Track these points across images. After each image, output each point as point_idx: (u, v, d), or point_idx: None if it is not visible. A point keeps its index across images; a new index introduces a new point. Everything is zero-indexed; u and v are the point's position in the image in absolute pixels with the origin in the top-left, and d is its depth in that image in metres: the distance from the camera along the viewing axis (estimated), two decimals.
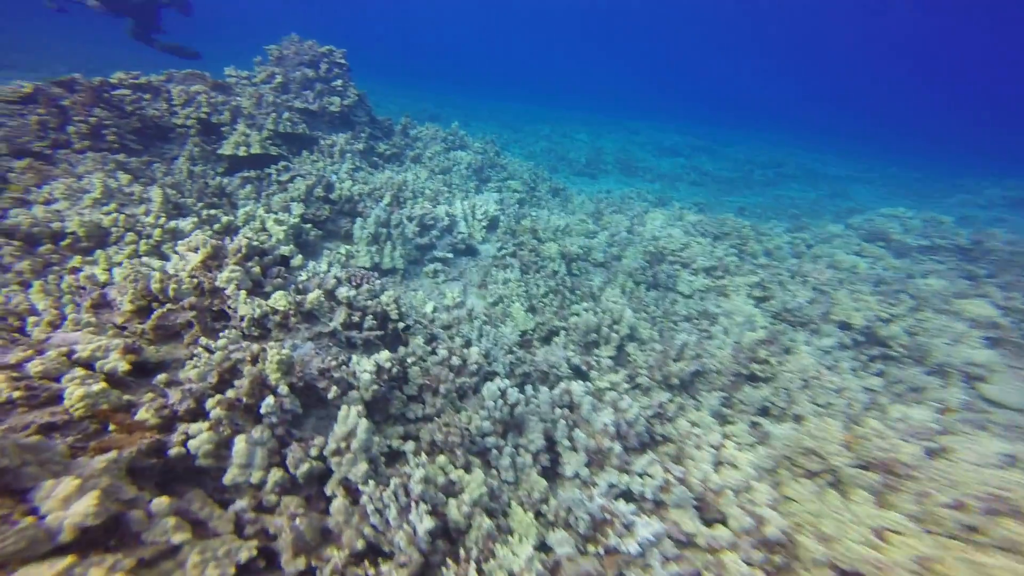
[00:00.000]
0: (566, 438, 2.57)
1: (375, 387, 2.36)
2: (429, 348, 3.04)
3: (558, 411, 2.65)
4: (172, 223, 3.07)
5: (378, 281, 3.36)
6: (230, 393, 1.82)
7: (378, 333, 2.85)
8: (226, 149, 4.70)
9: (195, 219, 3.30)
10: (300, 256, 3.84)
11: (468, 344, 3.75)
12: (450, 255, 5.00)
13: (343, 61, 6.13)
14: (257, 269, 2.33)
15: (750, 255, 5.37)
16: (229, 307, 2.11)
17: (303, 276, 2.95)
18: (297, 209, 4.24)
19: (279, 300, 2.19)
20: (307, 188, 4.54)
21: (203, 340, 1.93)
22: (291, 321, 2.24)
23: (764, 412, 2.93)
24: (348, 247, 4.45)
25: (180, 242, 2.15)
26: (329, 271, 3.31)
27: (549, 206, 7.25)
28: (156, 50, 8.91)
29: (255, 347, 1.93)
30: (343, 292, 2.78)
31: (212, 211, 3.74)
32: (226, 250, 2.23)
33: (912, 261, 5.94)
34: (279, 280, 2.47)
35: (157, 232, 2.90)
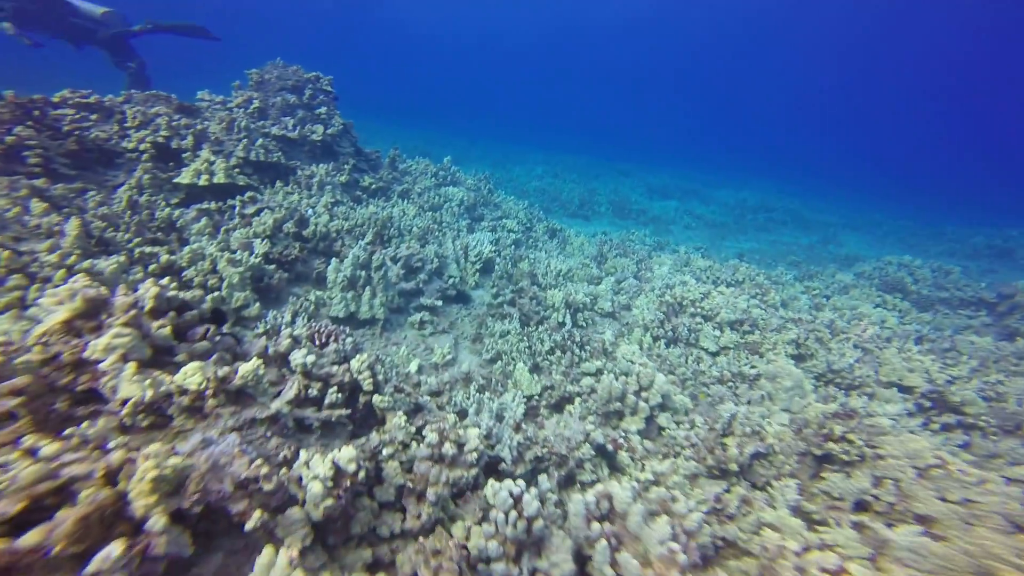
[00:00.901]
0: (607, 565, 1.89)
1: (329, 501, 1.67)
2: (412, 429, 2.37)
3: (595, 525, 1.98)
4: (86, 263, 2.42)
5: (349, 339, 2.72)
6: (29, 540, 1.07)
7: (343, 413, 2.18)
8: (184, 177, 4.13)
9: (122, 258, 2.65)
10: (257, 305, 3.19)
11: (463, 415, 3.07)
12: (439, 303, 4.41)
13: (329, 88, 5.79)
14: (166, 331, 1.68)
15: (771, 306, 4.95)
16: (104, 387, 1.44)
17: (251, 335, 2.30)
18: (260, 247, 3.63)
19: (190, 375, 1.53)
20: (275, 223, 3.97)
21: (28, 440, 1.24)
22: (209, 404, 1.57)
23: (862, 508, 2.32)
24: (320, 293, 3.82)
25: (46, 294, 1.51)
26: (285, 327, 2.67)
27: (547, 248, 6.82)
28: (127, 74, 8.56)
29: (117, 454, 1.26)
30: (299, 357, 2.13)
31: (151, 248, 3.11)
32: (111, 305, 1.58)
33: (940, 315, 5.64)
34: (203, 344, 1.81)
35: (59, 275, 2.25)
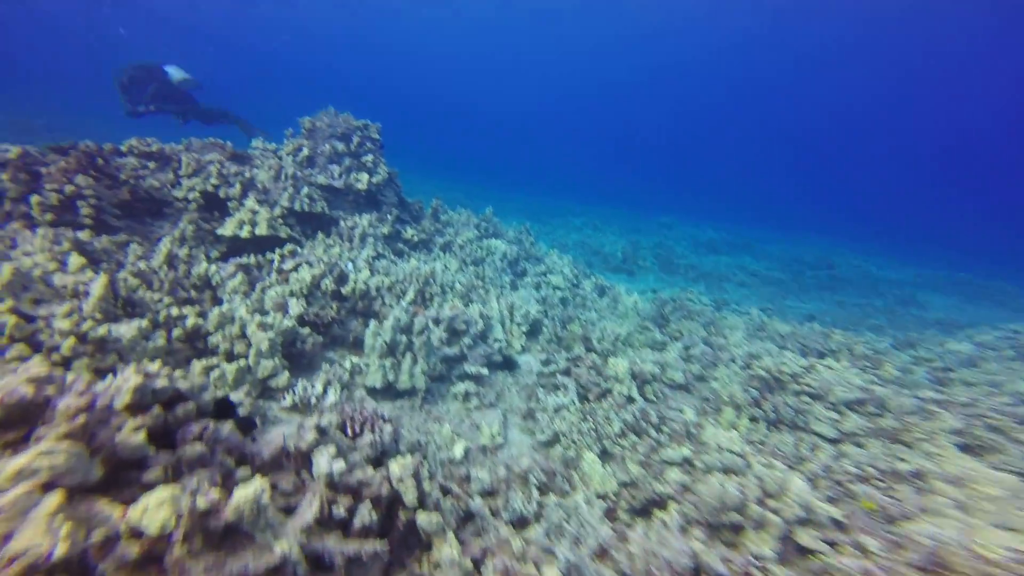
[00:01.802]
0: None
1: None
2: (468, 563, 1.82)
3: None
4: (103, 328, 2.16)
5: (388, 427, 2.27)
6: None
7: (377, 546, 1.66)
8: (227, 229, 4.04)
9: (144, 323, 2.39)
10: (286, 375, 2.83)
11: (523, 524, 2.48)
12: (484, 370, 3.95)
13: (377, 136, 5.85)
14: (139, 437, 1.25)
15: (890, 382, 4.16)
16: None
17: (275, 408, 1.89)
18: (295, 307, 3.36)
19: (153, 508, 1.07)
20: (313, 279, 3.73)
21: None
22: (174, 554, 1.10)
23: None
24: (356, 359, 3.46)
25: None
26: (314, 401, 2.27)
27: (597, 307, 6.33)
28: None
29: None
30: (324, 463, 1.68)
31: (181, 309, 2.87)
32: (52, 411, 1.16)
33: None
34: (196, 448, 1.39)
35: (69, 343, 1.98)
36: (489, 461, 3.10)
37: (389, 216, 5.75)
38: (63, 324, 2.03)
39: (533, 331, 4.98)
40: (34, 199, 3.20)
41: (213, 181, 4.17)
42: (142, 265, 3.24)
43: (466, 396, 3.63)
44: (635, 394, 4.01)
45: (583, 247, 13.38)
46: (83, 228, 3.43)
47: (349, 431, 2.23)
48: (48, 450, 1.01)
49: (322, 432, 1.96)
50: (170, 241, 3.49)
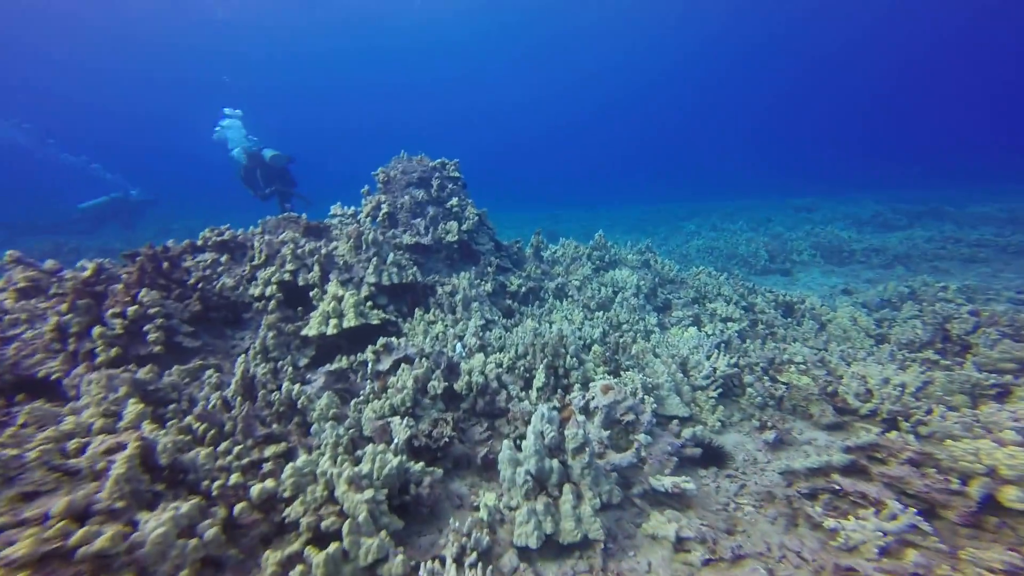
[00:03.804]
0: None
1: None
2: None
3: None
4: (110, 531, 1.37)
5: None
6: None
7: None
8: (311, 327, 3.42)
9: (189, 506, 1.59)
10: (400, 559, 1.85)
11: None
12: (687, 484, 2.60)
13: (457, 174, 5.12)
14: None
15: None
16: None
17: None
18: (401, 432, 2.46)
19: None
20: (417, 383, 2.84)
21: None
22: None
23: None
24: (490, 497, 2.40)
25: None
26: None
27: (801, 335, 4.62)
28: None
29: None
30: None
31: (256, 454, 2.11)
32: None
33: None
34: None
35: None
36: None
37: (489, 268, 4.86)
38: (46, 533, 1.28)
39: (726, 390, 3.55)
40: (96, 332, 2.81)
41: (289, 267, 3.64)
42: (217, 398, 2.62)
43: (679, 541, 2.32)
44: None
45: (712, 253, 11.42)
46: (148, 360, 2.97)
47: None
48: None
49: None
50: (243, 361, 2.89)
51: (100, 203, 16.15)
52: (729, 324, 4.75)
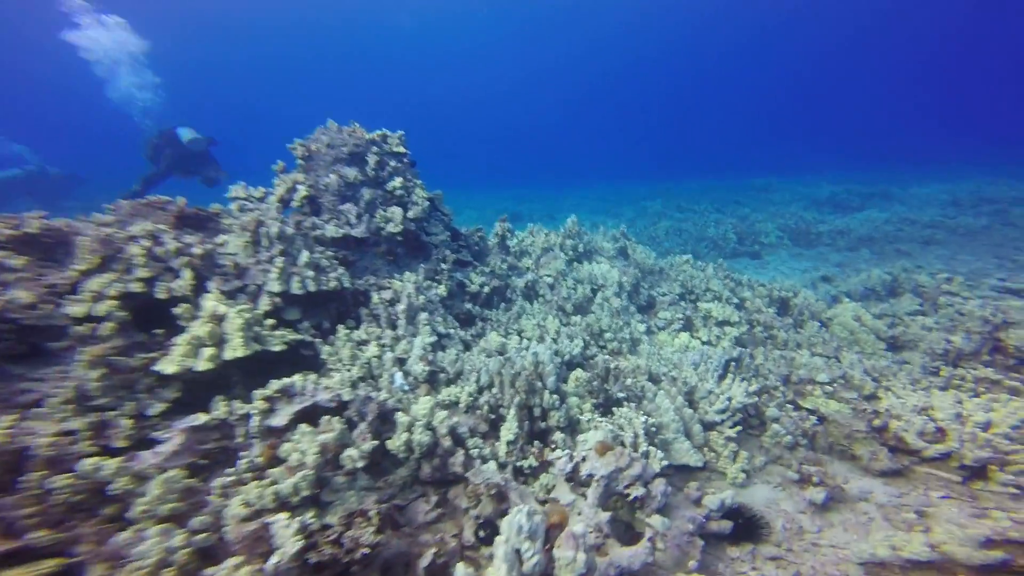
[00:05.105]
0: None
1: None
2: None
3: None
4: None
5: None
6: None
7: None
8: (170, 363, 2.28)
9: None
10: None
11: None
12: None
13: (401, 149, 3.98)
14: None
15: None
16: None
17: None
18: (289, 541, 1.48)
19: None
20: (324, 451, 1.83)
21: None
22: None
23: None
24: None
25: None
26: None
27: (807, 340, 3.92)
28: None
29: None
30: None
31: None
32: None
33: None
34: None
35: None
36: None
37: (443, 265, 3.82)
38: None
39: (742, 423, 2.75)
40: None
41: (140, 274, 2.45)
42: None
43: None
44: None
45: (681, 235, 10.83)
46: None
47: None
48: None
49: None
50: (11, 420, 1.76)
51: (8, 176, 13.56)
52: (726, 329, 3.99)
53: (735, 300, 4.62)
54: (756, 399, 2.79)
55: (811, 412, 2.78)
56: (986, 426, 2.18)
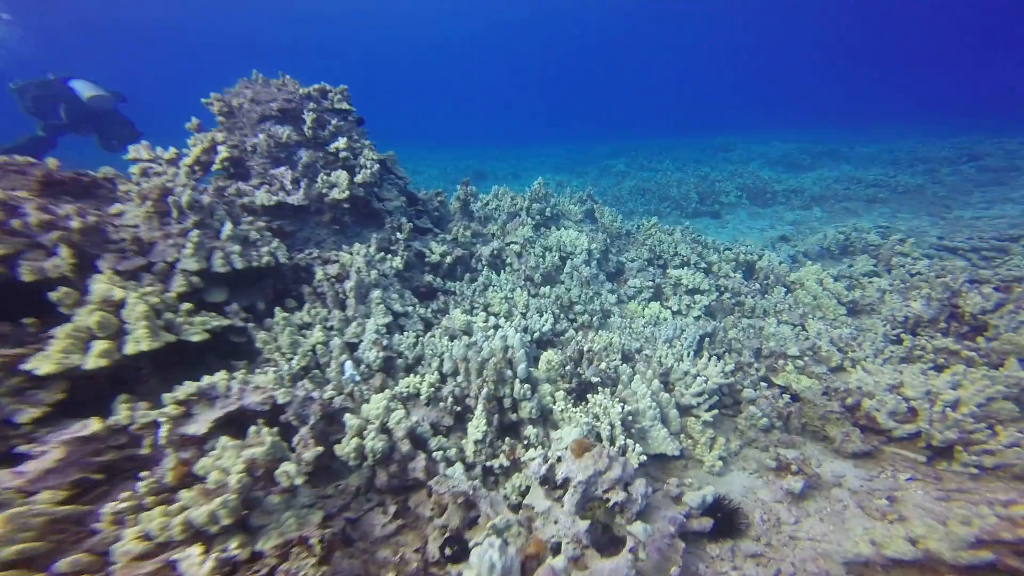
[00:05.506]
0: None
1: None
2: None
3: None
4: None
5: None
6: None
7: None
8: (47, 360, 1.83)
9: None
10: None
11: None
12: None
13: (345, 105, 3.39)
14: None
15: None
16: None
17: None
18: None
19: None
20: (251, 472, 1.49)
21: None
22: None
23: None
24: None
25: None
26: None
27: (774, 307, 3.88)
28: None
29: None
30: None
31: None
32: None
33: None
34: None
35: None
36: None
37: (399, 235, 3.38)
38: None
39: (717, 404, 2.66)
40: None
41: None
42: None
43: None
44: None
45: (645, 195, 10.68)
46: None
47: None
48: None
49: None
50: None
51: None
52: (696, 298, 3.87)
53: (703, 264, 4.50)
54: (732, 379, 2.68)
55: (784, 389, 2.71)
56: (955, 405, 2.16)
